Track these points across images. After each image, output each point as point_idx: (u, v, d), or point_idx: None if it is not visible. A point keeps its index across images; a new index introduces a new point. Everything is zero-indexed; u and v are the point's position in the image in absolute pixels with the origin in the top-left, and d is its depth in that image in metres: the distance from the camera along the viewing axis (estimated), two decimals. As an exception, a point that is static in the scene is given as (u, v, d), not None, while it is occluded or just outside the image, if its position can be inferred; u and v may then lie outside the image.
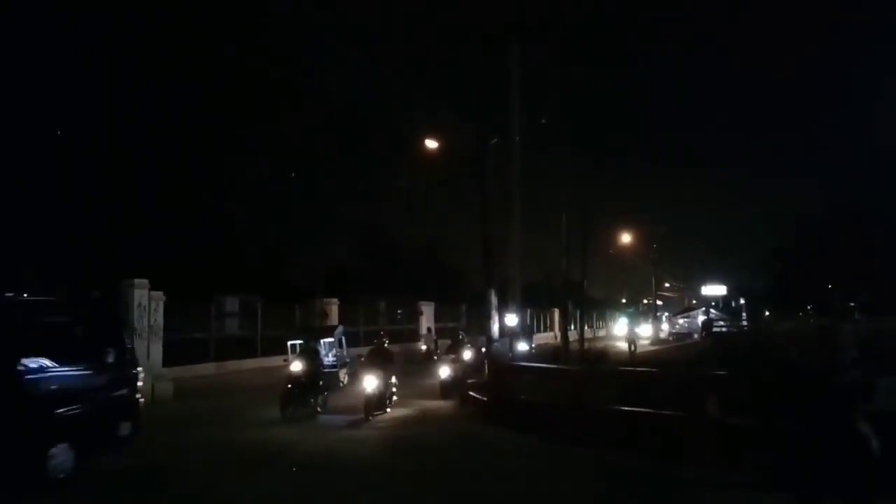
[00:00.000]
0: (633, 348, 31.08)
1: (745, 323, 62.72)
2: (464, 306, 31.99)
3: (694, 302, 72.68)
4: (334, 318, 22.76)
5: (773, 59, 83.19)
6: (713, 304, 68.07)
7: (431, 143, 18.72)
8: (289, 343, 16.53)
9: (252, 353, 18.50)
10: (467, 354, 17.56)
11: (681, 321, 59.00)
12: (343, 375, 17.16)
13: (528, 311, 34.95)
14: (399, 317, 28.19)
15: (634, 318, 48.47)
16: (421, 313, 28.28)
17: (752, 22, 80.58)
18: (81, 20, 28.77)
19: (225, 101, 36.32)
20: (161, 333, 15.92)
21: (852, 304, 50.20)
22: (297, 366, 13.76)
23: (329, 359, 16.65)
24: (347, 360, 17.66)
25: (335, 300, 23.25)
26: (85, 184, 27.73)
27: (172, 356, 16.10)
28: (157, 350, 15.76)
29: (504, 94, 16.78)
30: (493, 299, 16.04)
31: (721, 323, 57.95)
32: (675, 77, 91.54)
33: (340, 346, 17.93)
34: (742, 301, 76.53)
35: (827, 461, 5.38)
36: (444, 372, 16.11)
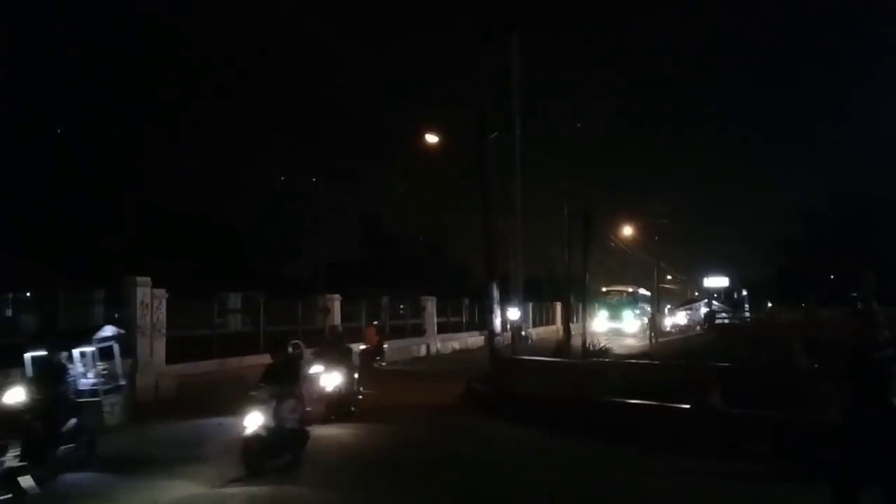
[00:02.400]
0: (653, 338, 32.49)
1: (747, 315, 62.70)
2: (466, 300, 31.98)
3: (696, 294, 72.72)
4: (336, 313, 22.76)
5: (778, 52, 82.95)
6: (715, 295, 68.02)
7: (432, 138, 18.71)
8: (26, 356, 10.19)
9: (255, 350, 18.43)
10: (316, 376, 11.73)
11: (683, 313, 58.94)
12: (114, 407, 10.78)
13: (530, 304, 34.98)
14: (402, 311, 28.16)
15: (618, 310, 43.72)
16: (424, 308, 28.28)
17: (755, 15, 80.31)
18: (85, 20, 28.74)
19: (225, 100, 36.29)
20: (164, 331, 15.89)
21: (855, 294, 50.12)
22: (15, 396, 8.51)
23: (87, 379, 10.47)
24: (123, 381, 11.02)
25: (337, 295, 23.22)
26: (86, 182, 27.76)
27: (176, 353, 16.08)
28: (160, 347, 15.75)
29: (504, 87, 16.74)
30: (496, 293, 16.03)
31: (723, 315, 57.86)
32: (679, 70, 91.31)
33: (111, 358, 11.32)
34: (744, 293, 76.51)
35: (864, 445, 5.46)
36: (254, 421, 8.27)
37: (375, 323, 23.94)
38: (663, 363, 15.12)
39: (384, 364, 21.60)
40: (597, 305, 31.83)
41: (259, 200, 38.99)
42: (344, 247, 43.58)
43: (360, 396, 12.54)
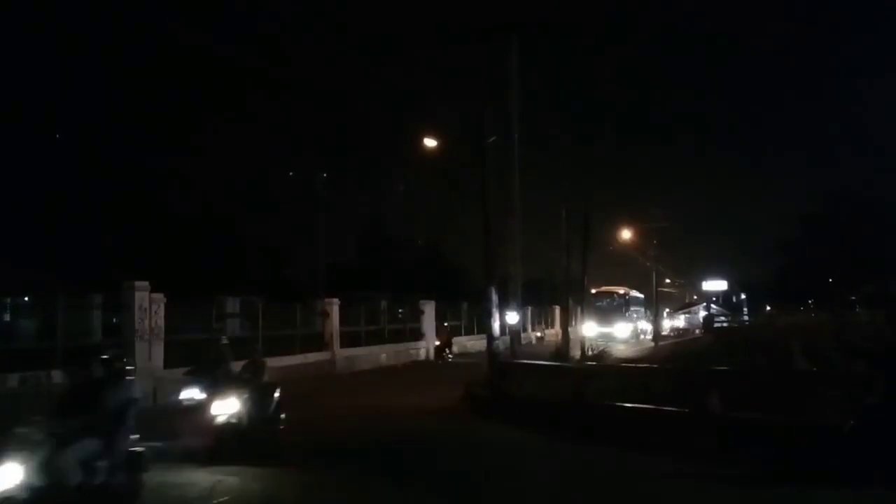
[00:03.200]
0: (657, 342, 33.86)
1: (746, 318, 62.94)
2: (465, 304, 31.99)
3: (695, 298, 72.89)
4: (335, 316, 22.74)
5: (777, 54, 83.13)
6: (714, 299, 68.20)
7: (430, 142, 18.73)
8: None
9: (253, 354, 18.48)
10: None
11: (682, 317, 59.03)
12: None
13: (529, 308, 35.03)
14: (401, 315, 28.17)
15: (607, 312, 39.67)
16: (423, 312, 28.30)
17: (753, 18, 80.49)
18: (75, 17, 28.77)
19: (224, 99, 36.30)
20: (162, 335, 15.89)
21: (853, 297, 50.26)
22: None
23: None
24: None
25: (336, 299, 23.21)
26: (84, 184, 27.75)
27: (174, 358, 16.06)
28: (158, 352, 15.74)
29: (503, 90, 16.76)
30: (494, 297, 16.05)
31: (722, 318, 58.04)
32: (678, 72, 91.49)
33: None
34: (743, 296, 76.68)
35: None
36: (7, 478, 5.36)
37: (446, 324, 28.48)
38: (661, 367, 15.13)
39: (451, 357, 26.29)
40: (580, 309, 30.08)
41: (258, 203, 38.96)
42: (343, 250, 43.53)
43: (282, 426, 9.75)
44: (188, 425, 8.92)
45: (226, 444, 8.78)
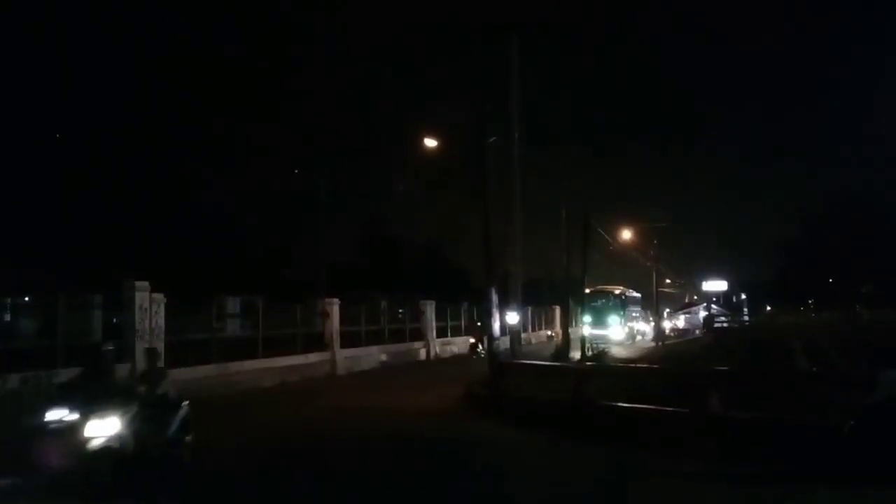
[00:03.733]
0: (660, 342, 34.17)
1: (746, 318, 63.04)
2: (465, 304, 32.00)
3: (695, 298, 72.91)
4: (335, 316, 22.72)
5: (778, 54, 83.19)
6: (714, 299, 68.27)
7: (430, 142, 18.73)
8: None
9: (254, 354, 18.47)
10: None
11: (682, 317, 59.03)
12: None
13: (529, 308, 34.99)
14: (401, 315, 28.17)
15: (601, 313, 37.21)
16: (423, 312, 28.30)
17: (754, 18, 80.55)
18: (74, 16, 28.79)
19: (225, 99, 36.32)
20: (163, 335, 15.86)
21: (859, 296, 50.29)
22: None
23: None
24: None
25: (336, 299, 23.18)
26: (85, 185, 27.76)
27: (174, 358, 16.02)
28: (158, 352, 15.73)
29: (504, 90, 16.80)
30: (495, 297, 16.07)
31: (722, 318, 58.11)
32: (679, 72, 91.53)
33: None
34: (743, 296, 76.77)
35: None
36: None
37: (479, 324, 28.07)
38: (661, 367, 15.15)
39: (483, 354, 24.97)
40: (580, 309, 29.18)
41: (259, 203, 38.97)
42: (343, 249, 43.59)
43: (179, 454, 8.25)
44: (53, 453, 7.05)
45: (103, 476, 7.13)
